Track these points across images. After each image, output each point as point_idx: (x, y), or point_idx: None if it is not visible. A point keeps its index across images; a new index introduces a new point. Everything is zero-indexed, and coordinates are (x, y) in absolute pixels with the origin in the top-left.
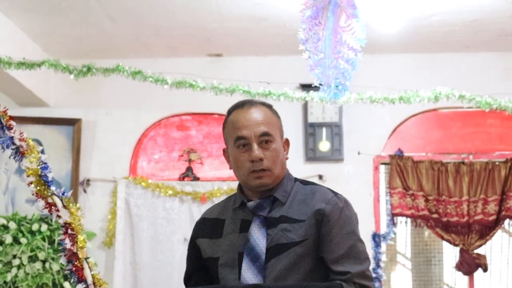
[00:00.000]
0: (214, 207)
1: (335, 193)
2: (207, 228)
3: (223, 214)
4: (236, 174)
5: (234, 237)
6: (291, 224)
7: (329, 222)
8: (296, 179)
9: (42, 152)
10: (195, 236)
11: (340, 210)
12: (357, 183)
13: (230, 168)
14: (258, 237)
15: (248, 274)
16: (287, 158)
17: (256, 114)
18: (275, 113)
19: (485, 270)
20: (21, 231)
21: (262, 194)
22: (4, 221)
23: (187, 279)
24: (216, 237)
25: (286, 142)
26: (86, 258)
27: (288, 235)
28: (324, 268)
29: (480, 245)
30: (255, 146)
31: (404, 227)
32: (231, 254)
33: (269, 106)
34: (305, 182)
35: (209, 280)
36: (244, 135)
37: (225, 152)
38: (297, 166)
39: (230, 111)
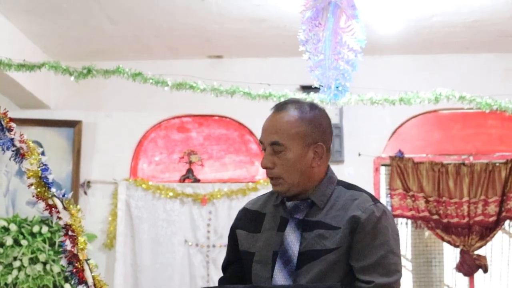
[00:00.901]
0: (258, 198)
1: (375, 201)
2: (247, 220)
3: (264, 207)
4: None
5: (271, 234)
6: (327, 230)
7: (363, 231)
8: (339, 182)
9: (43, 153)
10: (235, 226)
11: (376, 219)
12: (357, 185)
13: None
14: (292, 240)
15: (280, 276)
16: (314, 166)
17: (276, 120)
18: (307, 118)
19: (485, 271)
20: (22, 233)
21: (302, 197)
22: (4, 223)
23: (225, 266)
24: (255, 231)
25: (320, 148)
26: (86, 260)
27: (324, 242)
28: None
29: (480, 246)
30: (266, 154)
31: (404, 228)
32: (267, 252)
33: (305, 110)
34: (348, 186)
35: (243, 273)
36: (262, 141)
37: None
38: None
39: None
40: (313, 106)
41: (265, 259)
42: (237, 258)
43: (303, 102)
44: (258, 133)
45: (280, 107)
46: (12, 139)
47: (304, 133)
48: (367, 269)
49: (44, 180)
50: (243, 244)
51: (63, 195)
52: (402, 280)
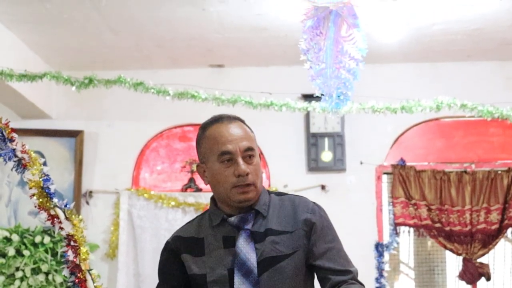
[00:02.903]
0: (187, 226)
1: (313, 202)
2: (186, 245)
3: (199, 233)
4: (216, 190)
5: (219, 253)
6: (278, 236)
7: (317, 231)
8: (269, 192)
9: (44, 164)
10: (179, 251)
11: (321, 217)
12: (359, 193)
13: (206, 184)
14: (248, 251)
15: None
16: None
17: (237, 129)
18: (250, 128)
19: (488, 279)
20: (24, 244)
21: (241, 209)
22: (7, 234)
23: None
24: (198, 255)
25: (259, 157)
26: (89, 270)
27: (277, 248)
28: (320, 277)
29: (483, 254)
30: (241, 161)
31: (407, 236)
32: (220, 271)
33: (244, 121)
34: (277, 193)
35: None
36: (230, 150)
37: (199, 167)
38: (299, 176)
39: (206, 126)
40: None
41: (220, 278)
42: (177, 285)
43: None
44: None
45: (232, 118)
46: (14, 150)
47: (255, 141)
48: (334, 262)
49: (46, 190)
50: (191, 268)
51: (65, 205)
52: (401, 286)
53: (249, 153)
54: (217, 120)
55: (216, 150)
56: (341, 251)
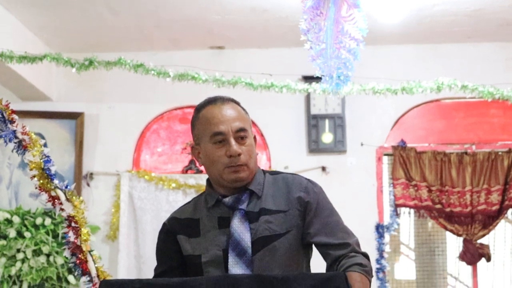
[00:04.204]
0: (183, 207)
1: (307, 179)
2: (182, 226)
3: (195, 213)
4: (209, 171)
5: (214, 234)
6: (272, 215)
7: (312, 209)
8: (264, 171)
9: (45, 145)
10: (175, 232)
11: (316, 194)
12: (360, 175)
13: (200, 166)
14: (242, 231)
15: (236, 269)
16: (257, 154)
17: (230, 110)
18: (244, 109)
19: (488, 259)
20: (25, 225)
21: (236, 189)
22: (8, 215)
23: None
24: (193, 236)
25: (254, 139)
26: (90, 251)
27: (271, 227)
28: (321, 254)
29: (483, 235)
30: (233, 142)
31: (407, 217)
32: (215, 251)
33: (238, 103)
34: (272, 172)
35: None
36: (222, 131)
37: (193, 149)
38: (300, 158)
39: (200, 108)
40: None
41: (215, 258)
42: (176, 265)
43: None
44: (260, 124)
45: (225, 99)
46: (14, 131)
47: (250, 122)
48: (333, 235)
49: (47, 172)
50: (186, 249)
51: (66, 187)
52: (402, 267)
53: (241, 134)
54: (211, 101)
55: (209, 131)
56: (339, 224)
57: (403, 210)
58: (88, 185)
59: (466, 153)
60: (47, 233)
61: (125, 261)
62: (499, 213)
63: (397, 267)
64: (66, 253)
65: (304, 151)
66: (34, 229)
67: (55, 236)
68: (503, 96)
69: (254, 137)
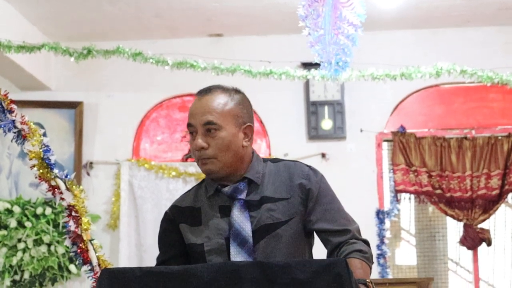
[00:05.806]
0: (184, 195)
1: (308, 166)
2: (184, 215)
3: (196, 202)
4: None
5: (216, 222)
6: (274, 203)
7: (314, 196)
8: (265, 159)
9: (44, 135)
10: (177, 221)
11: (317, 182)
12: (360, 161)
13: None
14: (242, 221)
15: (239, 258)
16: (246, 146)
17: (206, 102)
18: (235, 99)
19: (488, 244)
20: (26, 215)
21: (234, 179)
22: (8, 205)
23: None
24: (195, 225)
25: (249, 129)
26: (91, 240)
27: (274, 215)
28: (321, 241)
29: (483, 220)
30: (199, 135)
31: (407, 203)
32: (217, 240)
33: (231, 93)
34: (273, 160)
35: None
36: (191, 123)
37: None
38: (299, 144)
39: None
40: (237, 89)
41: (217, 246)
42: (178, 254)
43: (228, 86)
44: (260, 111)
45: (206, 91)
46: (13, 121)
47: (235, 114)
48: (334, 222)
49: (47, 161)
50: (188, 238)
51: (66, 176)
52: (402, 253)
53: (209, 127)
54: (197, 93)
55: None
56: (340, 211)
57: (403, 196)
58: (88, 174)
59: (465, 138)
60: (47, 222)
61: (126, 250)
62: (499, 198)
63: (398, 252)
64: (67, 243)
65: (304, 137)
66: (34, 218)
67: (56, 225)
68: (502, 80)
69: (250, 126)
